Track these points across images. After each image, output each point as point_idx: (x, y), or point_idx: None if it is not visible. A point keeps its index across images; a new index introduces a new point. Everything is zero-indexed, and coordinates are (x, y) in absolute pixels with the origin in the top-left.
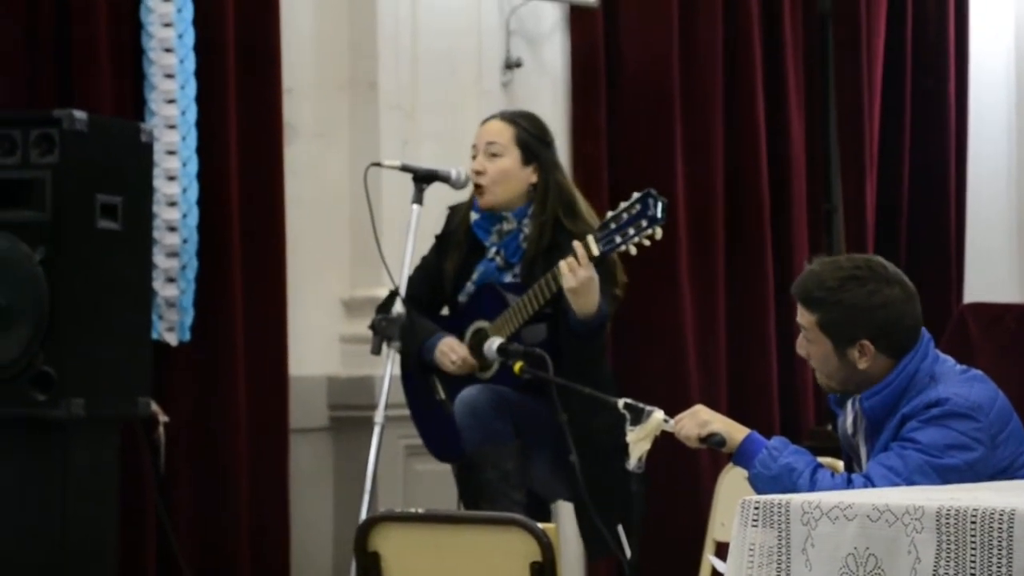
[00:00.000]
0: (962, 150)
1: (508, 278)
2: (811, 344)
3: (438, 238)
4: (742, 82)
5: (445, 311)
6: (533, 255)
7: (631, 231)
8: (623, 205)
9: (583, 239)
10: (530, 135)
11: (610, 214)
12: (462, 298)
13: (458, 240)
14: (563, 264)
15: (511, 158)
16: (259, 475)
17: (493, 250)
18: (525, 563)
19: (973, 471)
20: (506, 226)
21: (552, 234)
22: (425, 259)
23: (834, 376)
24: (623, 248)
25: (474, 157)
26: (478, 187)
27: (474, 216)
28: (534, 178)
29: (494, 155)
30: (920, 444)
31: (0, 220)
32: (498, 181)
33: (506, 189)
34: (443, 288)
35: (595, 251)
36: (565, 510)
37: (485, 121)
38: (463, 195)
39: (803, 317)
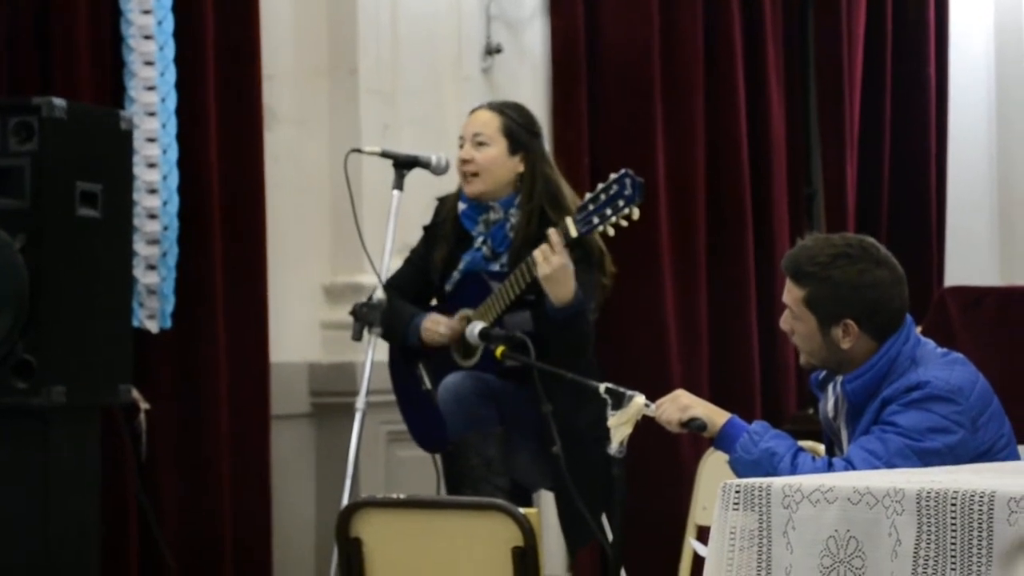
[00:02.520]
0: (942, 133)
1: (495, 267)
2: (796, 320)
3: (426, 229)
4: (722, 66)
5: (434, 303)
6: (520, 244)
7: (608, 211)
8: (600, 186)
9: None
10: (517, 125)
11: (588, 196)
12: (448, 287)
13: (446, 231)
14: (537, 252)
15: (498, 148)
16: (241, 462)
17: (480, 239)
18: (507, 548)
19: (953, 454)
20: (493, 215)
21: (538, 224)
22: (413, 251)
23: (815, 354)
24: (601, 229)
25: (461, 146)
26: (465, 176)
27: (461, 206)
28: (520, 168)
29: (481, 144)
30: (901, 427)
31: None
32: (484, 170)
33: (492, 178)
34: (432, 280)
35: (573, 232)
36: (548, 498)
37: (473, 110)
38: (445, 181)
39: (790, 292)
